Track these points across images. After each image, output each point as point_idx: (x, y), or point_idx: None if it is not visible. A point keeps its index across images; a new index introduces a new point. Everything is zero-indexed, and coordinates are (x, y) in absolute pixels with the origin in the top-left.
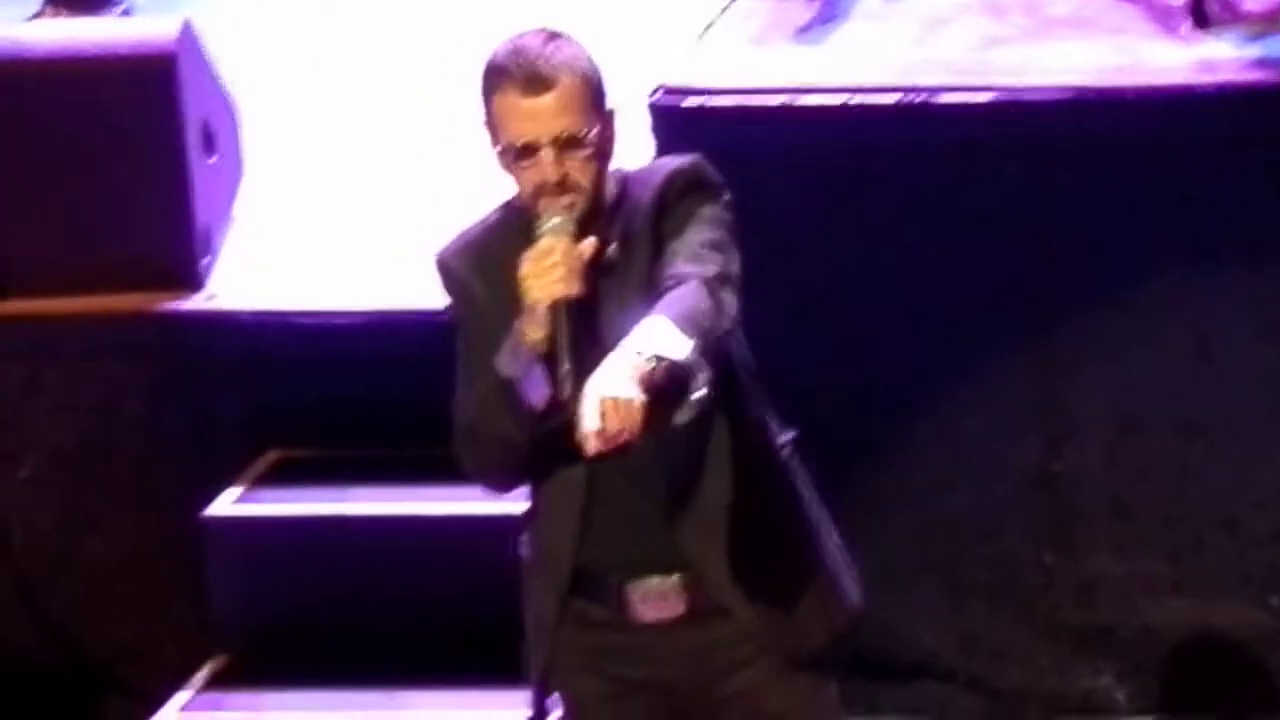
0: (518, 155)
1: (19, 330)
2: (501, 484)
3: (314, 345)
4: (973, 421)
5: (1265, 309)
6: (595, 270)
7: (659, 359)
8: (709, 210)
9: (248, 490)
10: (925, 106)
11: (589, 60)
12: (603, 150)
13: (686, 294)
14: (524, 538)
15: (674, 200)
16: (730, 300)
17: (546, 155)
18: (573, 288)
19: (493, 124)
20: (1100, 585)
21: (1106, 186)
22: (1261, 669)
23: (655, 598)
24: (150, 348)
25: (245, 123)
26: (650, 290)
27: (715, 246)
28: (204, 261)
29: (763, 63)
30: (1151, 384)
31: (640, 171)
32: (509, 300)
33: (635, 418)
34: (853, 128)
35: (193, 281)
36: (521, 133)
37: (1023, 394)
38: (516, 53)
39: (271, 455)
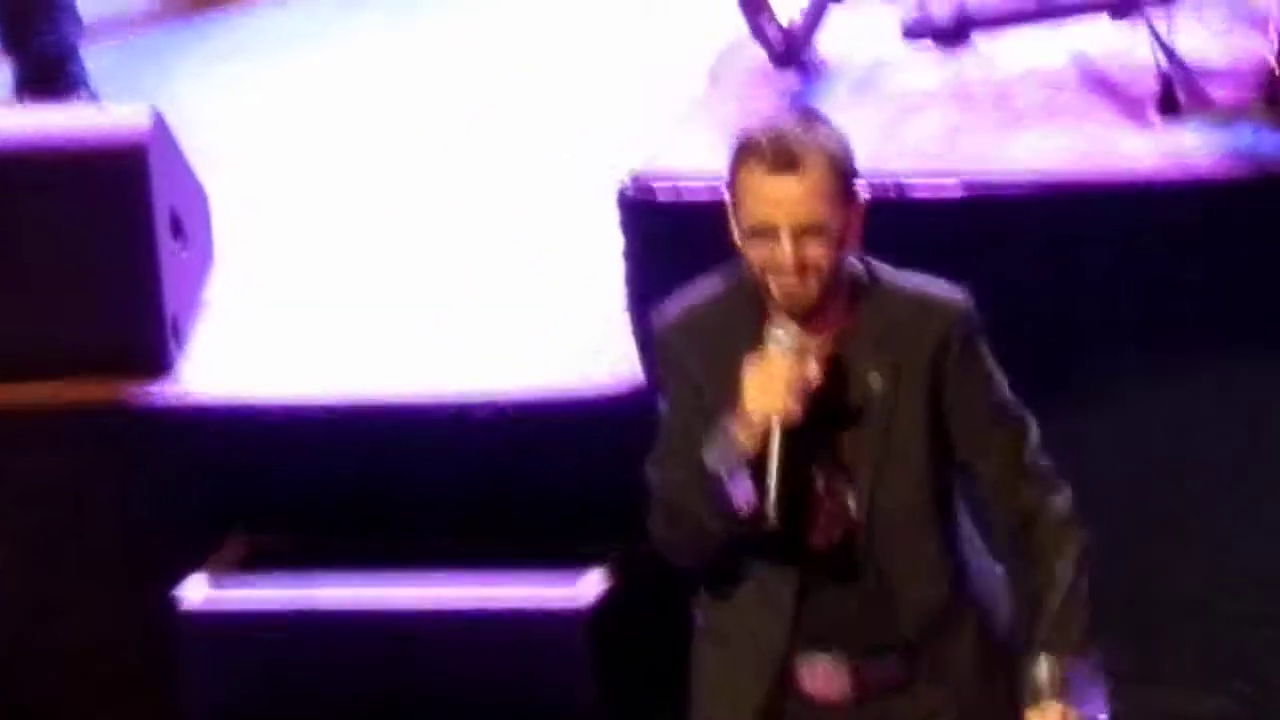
0: (754, 233)
1: None
2: (690, 559)
3: (282, 432)
4: None
5: (1236, 398)
6: (846, 396)
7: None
8: (993, 368)
9: (216, 577)
10: (895, 195)
11: (842, 145)
12: (843, 241)
13: (1078, 588)
14: (701, 608)
15: (960, 354)
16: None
17: (784, 240)
18: (790, 409)
19: (735, 197)
20: None
21: (1076, 275)
22: None
23: (822, 676)
24: (119, 435)
25: (214, 210)
26: (928, 434)
27: (1031, 438)
28: (173, 349)
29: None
30: (1120, 470)
31: (902, 285)
32: (728, 381)
33: None
34: None
35: (162, 369)
36: (763, 214)
37: None
38: (769, 129)
39: (238, 541)
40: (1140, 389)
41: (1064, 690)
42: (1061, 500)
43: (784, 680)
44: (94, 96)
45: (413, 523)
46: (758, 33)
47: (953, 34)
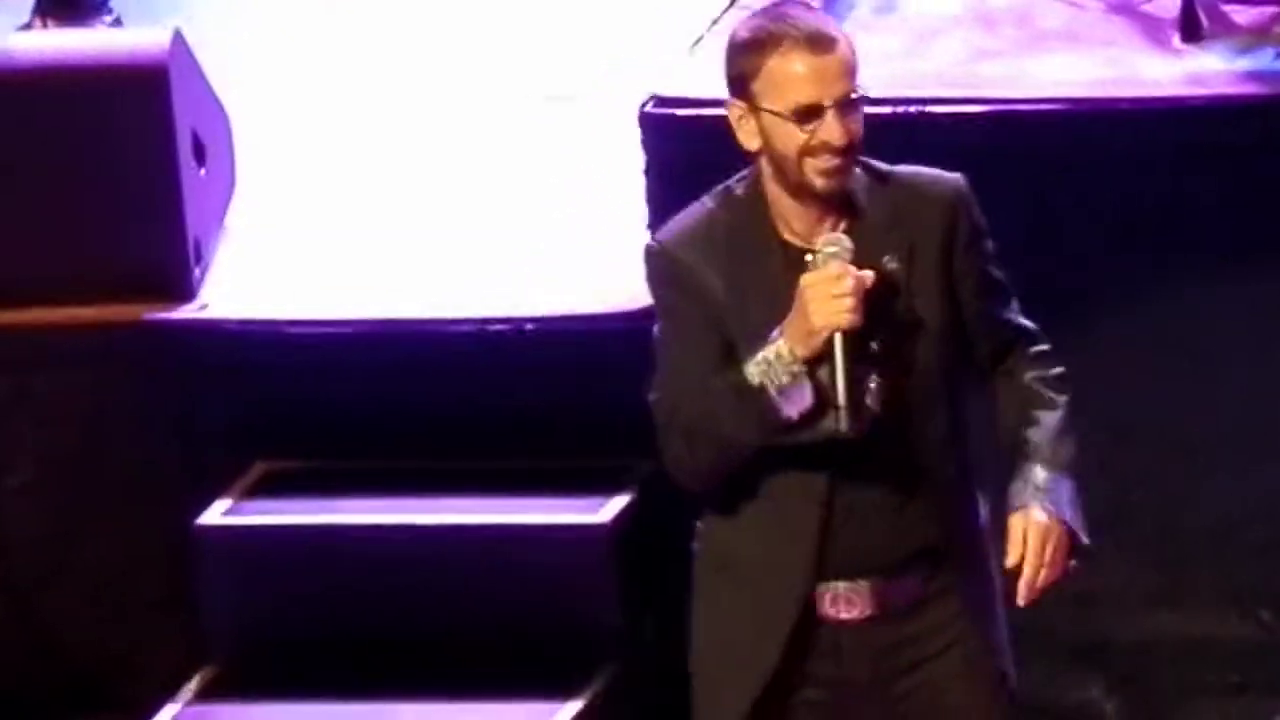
0: (800, 117)
1: (7, 340)
2: (707, 481)
3: (304, 354)
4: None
5: (1258, 320)
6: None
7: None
8: (988, 245)
9: (237, 501)
10: (917, 118)
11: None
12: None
13: (1061, 420)
14: (701, 539)
15: (967, 232)
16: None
17: (831, 116)
18: (858, 320)
19: (759, 89)
20: (1094, 597)
21: (1098, 198)
22: (1249, 683)
23: (843, 601)
24: (141, 357)
25: (237, 133)
26: (942, 310)
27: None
28: (195, 272)
29: None
30: (1144, 396)
31: (907, 175)
32: (749, 294)
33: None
34: None
35: (184, 292)
36: (809, 94)
37: None
38: (786, 17)
39: (260, 466)
40: (1160, 311)
41: (1054, 499)
42: (1055, 363)
43: (806, 609)
44: (116, 20)
45: (436, 443)
46: None
47: None
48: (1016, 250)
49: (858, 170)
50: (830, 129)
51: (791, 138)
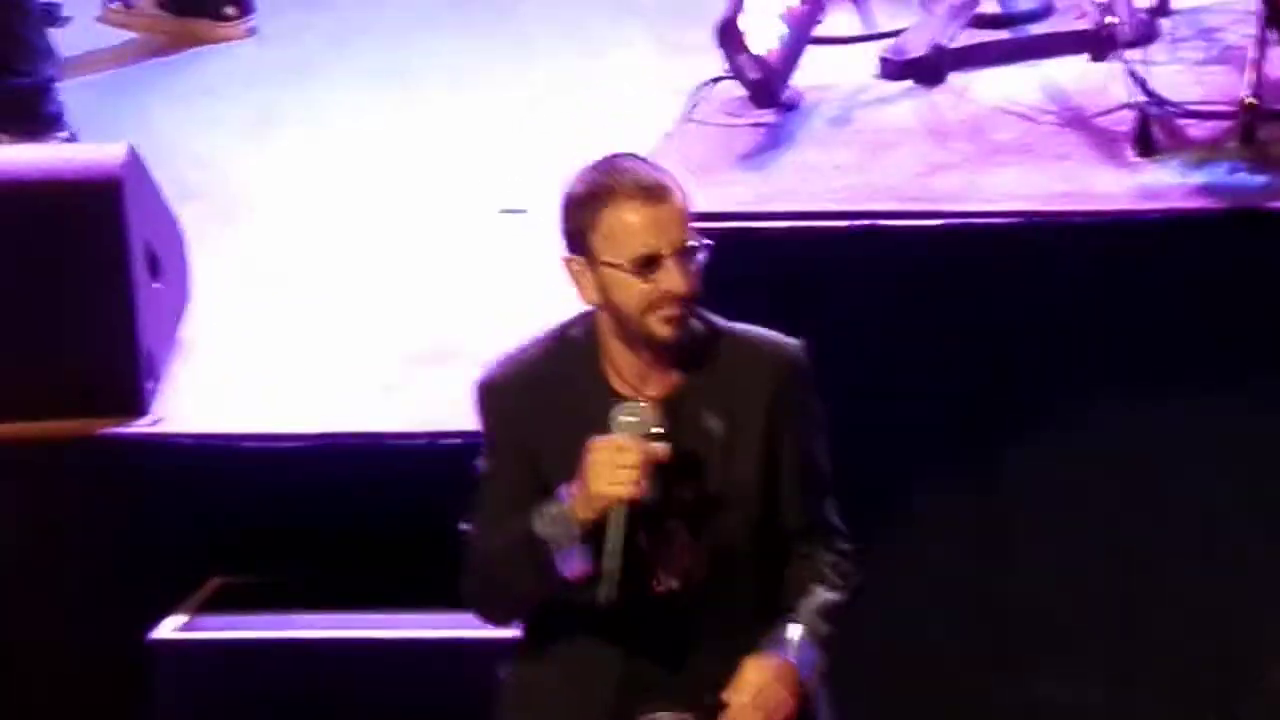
0: (639, 268)
1: None
2: (502, 620)
3: (257, 469)
4: (915, 542)
5: (1209, 435)
6: (685, 443)
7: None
8: (820, 424)
9: (192, 616)
10: (871, 232)
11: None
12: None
13: (835, 602)
14: (510, 666)
15: (793, 404)
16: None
17: (671, 265)
18: (638, 492)
19: (597, 243)
20: (1043, 711)
21: (1051, 312)
22: None
23: None
24: (94, 472)
25: (191, 247)
26: (763, 476)
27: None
28: (149, 386)
29: (707, 188)
30: (1096, 507)
31: (743, 335)
32: (564, 443)
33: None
34: (798, 254)
35: (137, 406)
36: (646, 245)
37: (967, 515)
38: (618, 169)
39: (215, 581)
40: (1113, 424)
41: (796, 655)
42: (853, 567)
43: None
44: (71, 135)
45: (391, 557)
46: (735, 68)
47: (929, 71)
48: (967, 360)
49: (694, 322)
50: (671, 278)
51: (632, 290)
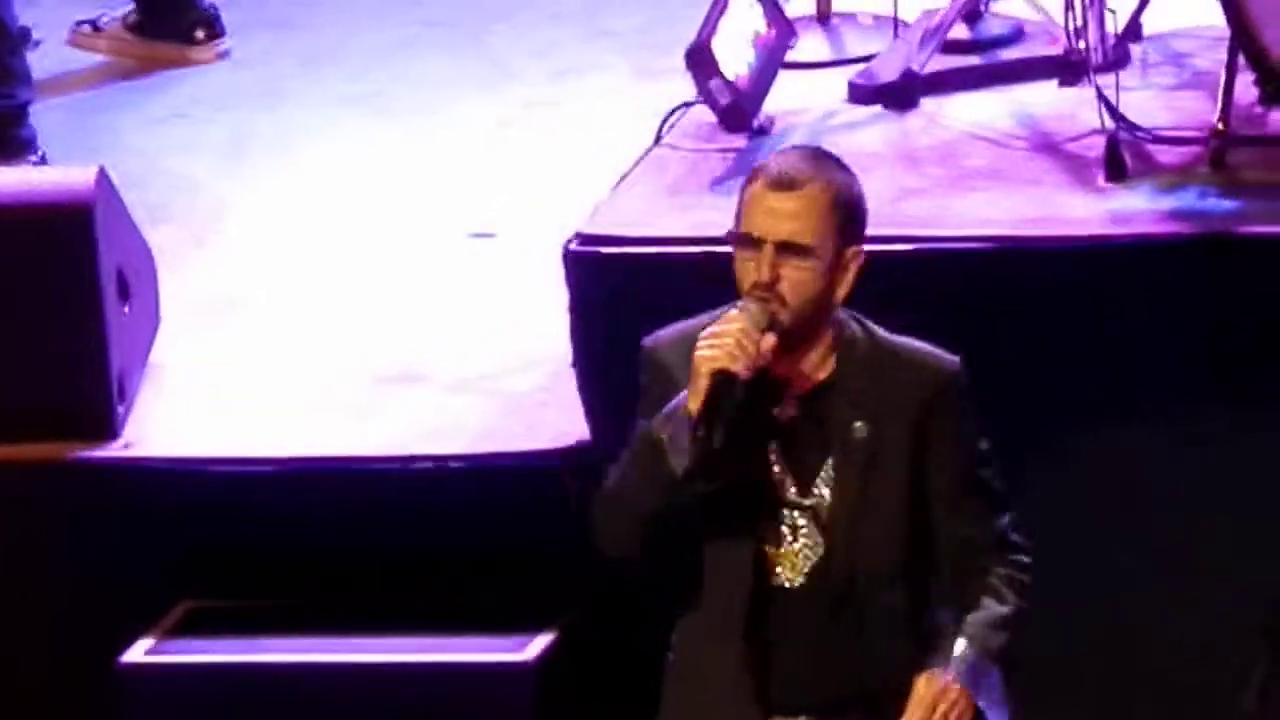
0: (742, 244)
1: None
2: (624, 547)
3: (227, 493)
4: None
5: (1183, 457)
6: (822, 436)
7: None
8: (975, 440)
9: (161, 640)
10: None
11: (849, 186)
12: (828, 279)
13: (1006, 614)
14: (675, 636)
15: (946, 422)
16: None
17: (765, 252)
18: (736, 365)
19: (737, 213)
20: None
21: (1022, 336)
22: None
23: None
24: (63, 496)
25: (161, 270)
26: (909, 489)
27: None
28: (119, 409)
29: (678, 213)
30: (1071, 534)
31: (897, 345)
32: None
33: None
34: None
35: (108, 430)
36: (753, 225)
37: None
38: (783, 155)
39: (184, 605)
40: (1090, 449)
41: (965, 674)
42: (1027, 569)
43: None
44: (42, 159)
45: (361, 581)
46: (706, 94)
47: (900, 96)
48: None
49: (856, 327)
50: (760, 266)
51: (738, 266)
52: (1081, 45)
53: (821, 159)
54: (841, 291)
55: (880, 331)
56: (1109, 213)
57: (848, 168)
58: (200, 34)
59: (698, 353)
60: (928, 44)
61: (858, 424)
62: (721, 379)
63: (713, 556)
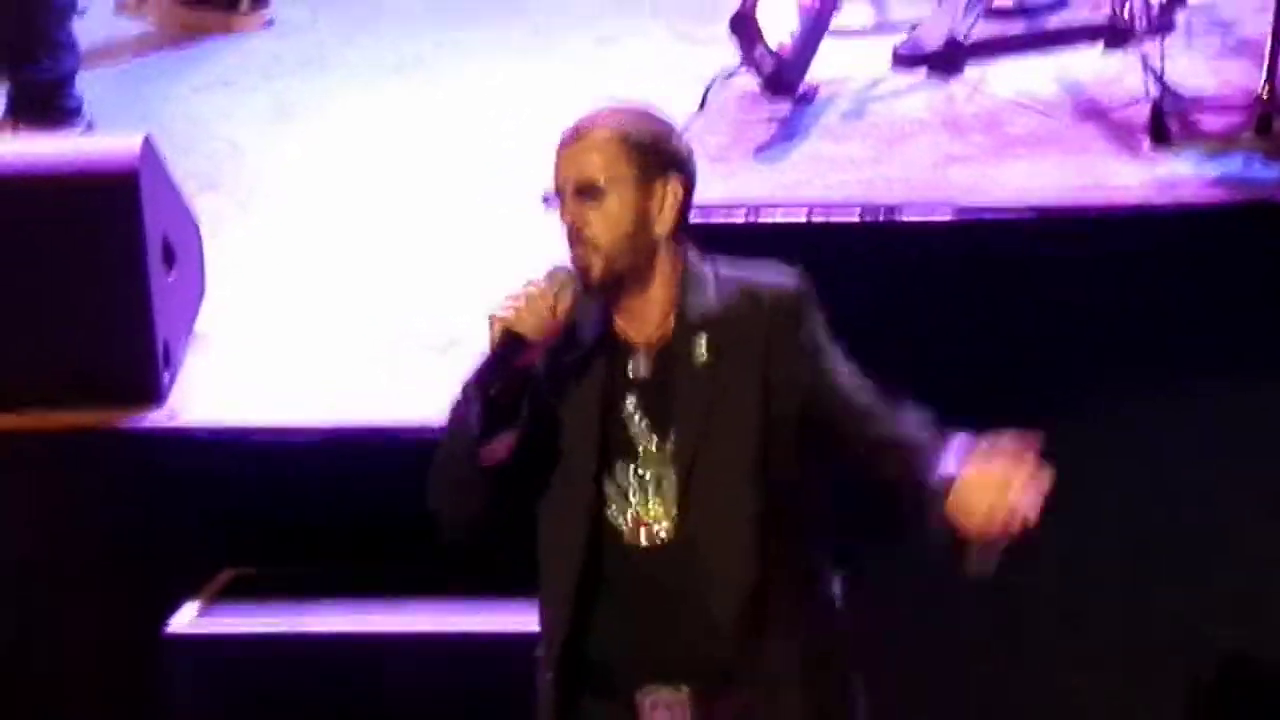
0: (550, 203)
1: None
2: (455, 522)
3: (272, 461)
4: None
5: (1221, 425)
6: (671, 383)
7: None
8: (832, 348)
9: (206, 607)
10: (885, 223)
11: (642, 124)
12: (636, 213)
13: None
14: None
15: (792, 332)
16: None
17: (566, 201)
18: (522, 326)
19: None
20: (1054, 700)
21: (1066, 304)
22: None
23: (664, 709)
24: (110, 462)
25: (206, 239)
26: (757, 424)
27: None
28: (164, 377)
29: (721, 180)
30: (1106, 497)
31: (739, 272)
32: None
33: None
34: (813, 244)
35: (153, 396)
36: (555, 179)
37: None
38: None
39: (228, 572)
40: (1125, 415)
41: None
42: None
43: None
44: (89, 125)
45: (404, 549)
46: (750, 60)
47: (944, 63)
48: (982, 354)
49: (705, 268)
50: (564, 213)
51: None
52: (1127, 11)
53: (617, 109)
54: (660, 227)
55: (724, 266)
56: (1153, 180)
57: (651, 113)
58: (244, 2)
59: (492, 311)
60: (972, 10)
61: (701, 355)
62: (508, 337)
63: (558, 524)
